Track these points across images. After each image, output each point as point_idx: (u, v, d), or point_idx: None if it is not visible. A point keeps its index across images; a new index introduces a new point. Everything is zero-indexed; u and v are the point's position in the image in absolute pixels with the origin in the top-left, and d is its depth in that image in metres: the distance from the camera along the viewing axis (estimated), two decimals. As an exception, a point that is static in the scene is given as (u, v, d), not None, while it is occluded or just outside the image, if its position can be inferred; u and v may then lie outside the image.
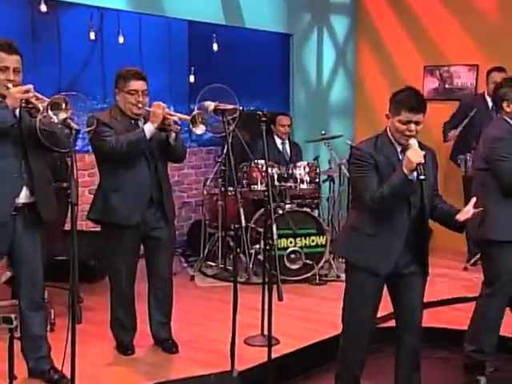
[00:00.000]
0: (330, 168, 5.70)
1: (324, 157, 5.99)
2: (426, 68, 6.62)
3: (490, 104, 5.61)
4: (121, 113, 3.53)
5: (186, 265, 5.78)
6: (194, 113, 3.38)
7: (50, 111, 2.70)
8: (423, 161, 2.66)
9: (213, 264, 5.55)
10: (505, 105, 3.39)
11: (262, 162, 4.96)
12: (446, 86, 6.54)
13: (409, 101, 2.77)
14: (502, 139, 3.31)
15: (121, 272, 3.58)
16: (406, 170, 2.68)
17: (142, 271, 3.73)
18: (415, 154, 2.68)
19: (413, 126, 2.76)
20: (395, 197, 2.73)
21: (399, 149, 2.83)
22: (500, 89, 3.44)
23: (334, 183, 5.71)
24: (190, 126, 3.40)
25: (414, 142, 2.75)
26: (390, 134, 2.85)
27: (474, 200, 2.83)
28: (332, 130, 6.47)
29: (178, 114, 3.53)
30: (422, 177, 2.64)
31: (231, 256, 5.38)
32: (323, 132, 5.72)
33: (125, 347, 3.70)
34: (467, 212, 2.80)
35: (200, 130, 3.40)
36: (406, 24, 6.73)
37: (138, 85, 3.48)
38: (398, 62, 6.76)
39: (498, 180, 3.30)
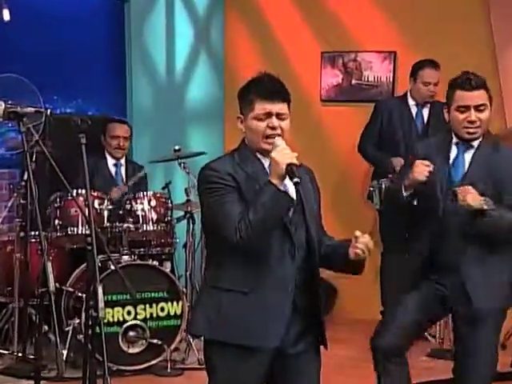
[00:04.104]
0: (189, 200, 5.75)
1: (179, 184, 6.07)
2: (324, 55, 6.82)
3: (414, 110, 5.84)
4: None
5: (-43, 356, 5.60)
6: None
7: None
8: (295, 161, 2.79)
9: (4, 352, 5.41)
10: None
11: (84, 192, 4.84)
12: (353, 81, 6.79)
13: (260, 87, 2.92)
14: None
15: None
16: (274, 179, 2.81)
17: None
18: (282, 154, 2.81)
19: (275, 121, 2.88)
20: (268, 221, 2.82)
21: (266, 163, 2.93)
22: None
23: (193, 222, 5.75)
24: None
25: (280, 141, 2.88)
26: (250, 144, 2.97)
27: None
28: (191, 144, 6.67)
29: None
30: (295, 179, 2.78)
31: (34, 338, 5.21)
32: (177, 147, 5.77)
33: None
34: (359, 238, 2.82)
35: None
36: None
37: None
38: (283, 44, 6.96)
39: None
